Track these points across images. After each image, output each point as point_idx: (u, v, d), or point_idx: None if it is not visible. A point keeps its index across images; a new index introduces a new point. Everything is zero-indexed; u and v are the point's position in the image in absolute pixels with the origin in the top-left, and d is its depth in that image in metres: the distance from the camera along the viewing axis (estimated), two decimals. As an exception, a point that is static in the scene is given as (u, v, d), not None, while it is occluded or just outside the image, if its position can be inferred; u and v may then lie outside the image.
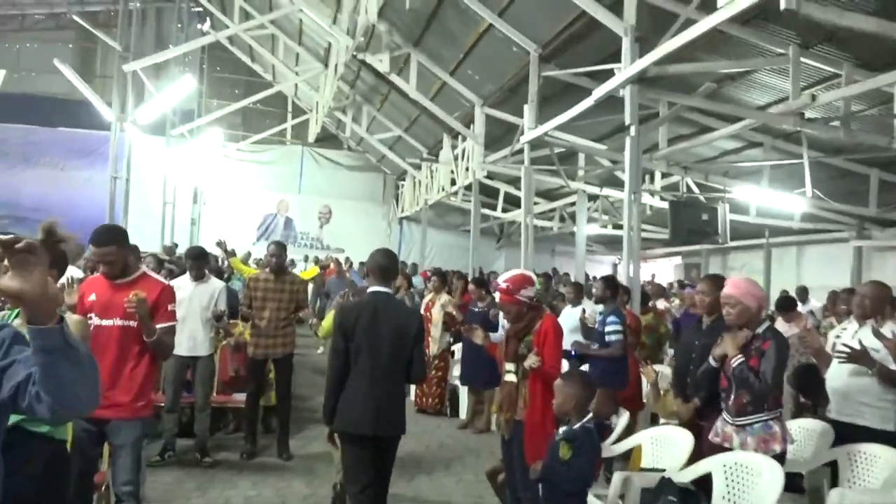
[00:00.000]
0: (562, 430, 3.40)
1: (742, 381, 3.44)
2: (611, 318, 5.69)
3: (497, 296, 3.91)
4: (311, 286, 17.60)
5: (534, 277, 4.07)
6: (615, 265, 27.09)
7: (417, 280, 13.86)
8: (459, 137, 14.96)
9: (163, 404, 5.50)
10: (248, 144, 22.07)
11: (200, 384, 5.51)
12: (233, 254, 15.09)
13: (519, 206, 19.83)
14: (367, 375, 3.57)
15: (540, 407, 3.78)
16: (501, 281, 3.94)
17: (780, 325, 8.57)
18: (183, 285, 5.55)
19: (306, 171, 22.95)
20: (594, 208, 17.75)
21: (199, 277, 5.54)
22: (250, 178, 22.16)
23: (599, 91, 7.78)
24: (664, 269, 22.65)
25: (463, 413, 7.92)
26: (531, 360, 3.64)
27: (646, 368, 4.88)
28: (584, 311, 7.28)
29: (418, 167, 18.76)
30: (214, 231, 22.15)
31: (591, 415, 3.39)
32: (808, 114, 8.46)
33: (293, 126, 22.99)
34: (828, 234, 15.21)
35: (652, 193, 14.29)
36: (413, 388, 8.85)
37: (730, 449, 3.54)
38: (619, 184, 14.33)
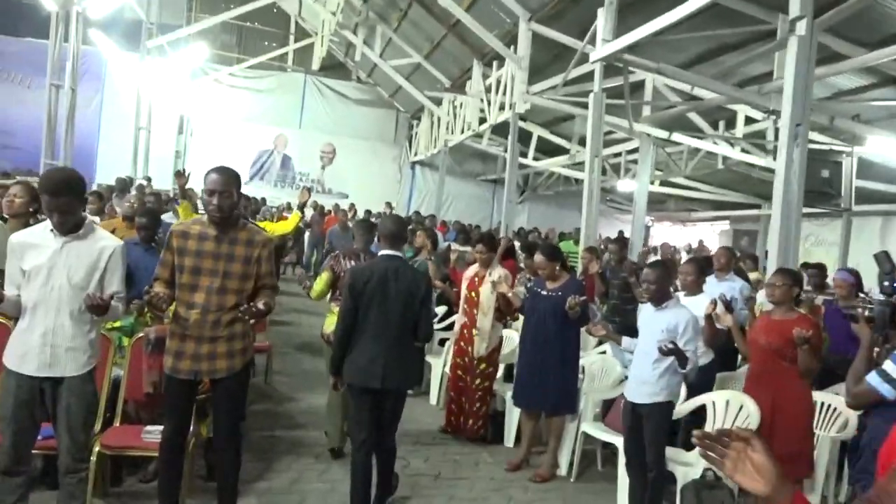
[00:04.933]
0: None
1: None
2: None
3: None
4: (307, 235, 15.09)
5: None
6: (647, 227, 24.45)
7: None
8: (494, 65, 12.17)
9: None
10: (242, 69, 19.20)
11: (66, 429, 2.95)
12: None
13: (551, 155, 17.19)
14: (376, 335, 3.73)
15: None
16: None
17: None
18: (40, 241, 2.95)
19: (308, 103, 20.13)
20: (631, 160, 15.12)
21: (70, 229, 2.94)
22: (244, 107, 19.37)
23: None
24: (707, 238, 19.93)
25: (509, 440, 5.41)
26: None
27: None
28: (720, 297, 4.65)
29: (439, 102, 15.97)
30: (202, 166, 19.18)
31: None
32: None
33: (295, 51, 20.05)
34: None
35: (731, 143, 11.56)
36: (435, 395, 6.41)
37: None
38: (689, 128, 11.58)
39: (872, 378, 2.70)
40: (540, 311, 4.80)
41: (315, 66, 19.18)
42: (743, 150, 11.61)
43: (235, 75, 19.27)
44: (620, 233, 17.39)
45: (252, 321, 3.26)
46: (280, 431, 5.30)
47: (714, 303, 4.42)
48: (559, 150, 16.10)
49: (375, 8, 14.97)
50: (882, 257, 3.00)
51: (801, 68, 4.84)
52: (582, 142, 15.25)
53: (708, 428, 4.26)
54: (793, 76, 4.85)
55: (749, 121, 11.28)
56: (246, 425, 4.91)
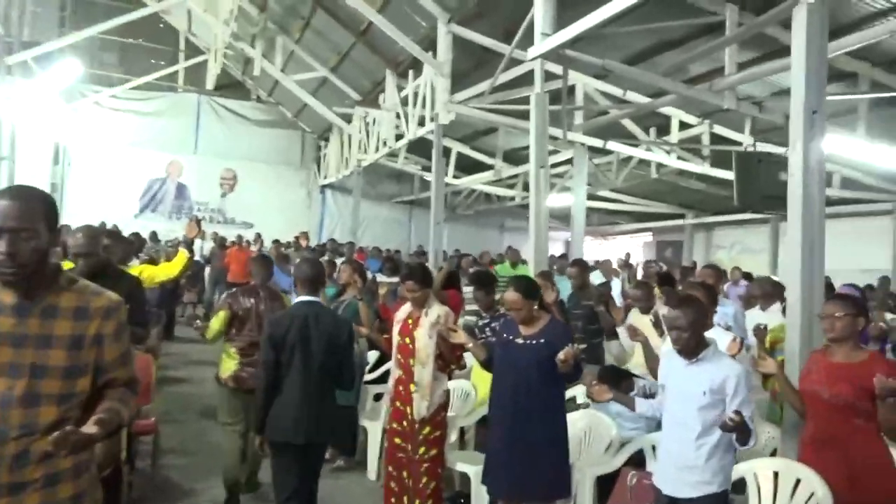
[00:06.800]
0: None
1: None
2: None
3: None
4: (207, 271, 13.44)
5: None
6: (568, 242, 23.92)
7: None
8: (410, 75, 11.06)
9: None
10: (126, 90, 17.24)
11: None
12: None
13: (471, 172, 16.21)
14: (298, 386, 3.59)
15: None
16: None
17: None
18: None
19: (204, 125, 18.38)
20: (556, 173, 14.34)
21: None
22: (131, 132, 17.40)
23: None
24: (630, 249, 19.48)
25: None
26: None
27: None
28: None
29: (349, 119, 14.70)
30: (84, 200, 17.39)
31: None
32: None
33: (187, 69, 18.27)
34: (862, 204, 12.33)
35: (668, 150, 10.88)
36: (375, 468, 5.14)
37: None
38: (621, 136, 10.81)
39: None
40: (516, 366, 3.62)
41: (209, 85, 17.51)
42: (679, 158, 10.97)
43: (118, 97, 17.30)
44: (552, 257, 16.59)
45: (78, 451, 1.88)
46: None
47: (741, 342, 3.39)
48: (479, 167, 15.17)
49: (274, 17, 13.58)
50: None
51: (814, 41, 3.95)
52: (506, 157, 14.37)
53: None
54: (804, 52, 3.96)
55: (683, 126, 10.67)
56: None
